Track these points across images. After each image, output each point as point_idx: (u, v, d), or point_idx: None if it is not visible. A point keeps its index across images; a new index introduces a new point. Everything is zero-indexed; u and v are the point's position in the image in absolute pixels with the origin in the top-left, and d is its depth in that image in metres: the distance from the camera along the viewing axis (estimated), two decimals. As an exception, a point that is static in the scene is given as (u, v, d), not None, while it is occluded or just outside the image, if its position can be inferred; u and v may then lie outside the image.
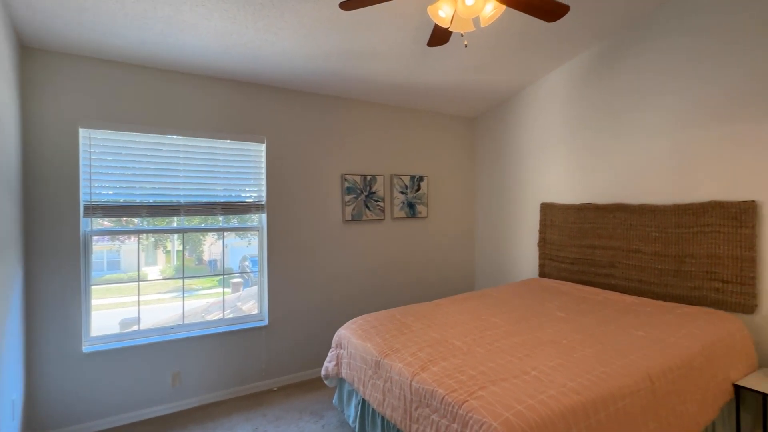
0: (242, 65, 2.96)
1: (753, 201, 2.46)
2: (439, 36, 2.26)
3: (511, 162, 4.09)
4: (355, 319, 2.67)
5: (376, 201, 3.80)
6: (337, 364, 2.58)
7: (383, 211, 3.84)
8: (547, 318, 2.60)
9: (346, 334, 2.56)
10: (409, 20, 2.61)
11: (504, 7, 1.87)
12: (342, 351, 2.55)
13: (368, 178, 3.74)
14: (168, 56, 2.76)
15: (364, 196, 3.72)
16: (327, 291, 3.60)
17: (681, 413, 1.90)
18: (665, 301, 2.84)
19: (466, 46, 2.07)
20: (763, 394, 2.12)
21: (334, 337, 2.66)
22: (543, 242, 3.73)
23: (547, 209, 3.70)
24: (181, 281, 3.09)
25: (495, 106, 4.24)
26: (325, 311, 3.59)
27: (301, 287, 3.47)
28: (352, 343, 2.44)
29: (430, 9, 1.84)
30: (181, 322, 3.05)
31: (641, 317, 2.52)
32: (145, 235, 3.01)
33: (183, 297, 3.09)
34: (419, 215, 4.07)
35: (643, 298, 2.88)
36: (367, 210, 3.74)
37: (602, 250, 3.26)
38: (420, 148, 4.11)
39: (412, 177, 4.02)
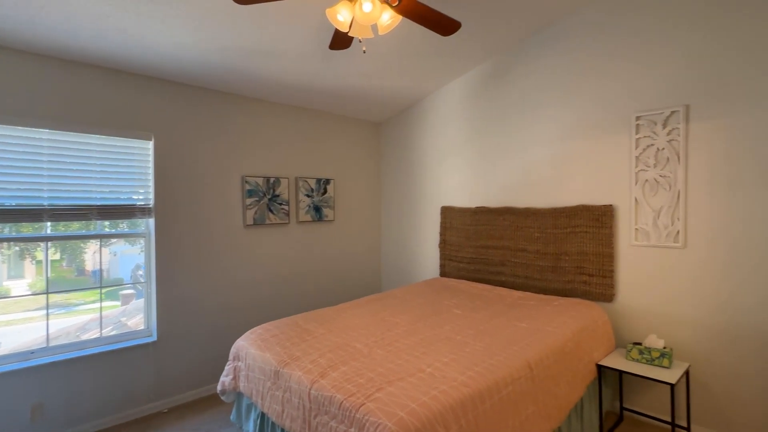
0: (124, 53, 2.66)
1: (611, 205, 2.87)
2: (341, 40, 2.26)
3: (414, 167, 4.25)
4: (254, 328, 2.55)
5: (281, 204, 3.68)
6: (234, 378, 2.43)
7: (288, 214, 3.73)
8: (445, 315, 2.74)
9: (244, 345, 2.42)
10: (311, 21, 2.57)
11: (400, 17, 1.93)
12: (240, 363, 2.41)
13: (272, 180, 3.60)
14: (28, 34, 2.36)
15: (267, 199, 3.58)
16: (226, 300, 3.38)
17: (555, 395, 2.13)
18: (545, 294, 3.18)
19: (364, 52, 2.10)
20: (619, 371, 2.48)
21: (232, 349, 2.50)
22: (443, 243, 3.94)
23: (447, 212, 3.92)
24: (54, 296, 2.66)
25: (399, 113, 4.38)
26: (223, 322, 3.37)
27: (196, 297, 3.22)
28: (251, 354, 2.31)
29: (328, 12, 1.83)
30: (45, 345, 2.63)
31: (524, 310, 2.79)
32: (6, 243, 2.54)
33: (47, 315, 2.66)
34: (326, 219, 4.04)
35: (527, 293, 3.18)
36: (270, 213, 3.60)
37: (494, 249, 3.54)
38: (326, 150, 4.08)
39: (318, 180, 3.98)
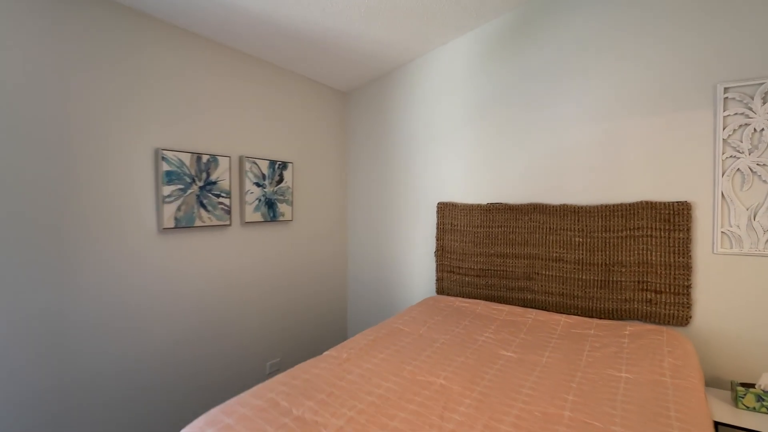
0: None
1: (686, 201, 2.22)
2: None
3: (398, 150, 3.27)
4: (199, 421, 1.35)
5: (218, 196, 2.42)
6: None
7: (229, 212, 2.48)
8: (501, 365, 1.83)
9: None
10: None
11: None
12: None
13: (205, 159, 2.33)
14: None
15: (197, 187, 2.30)
16: (121, 345, 2.05)
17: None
18: (591, 317, 2.45)
19: None
20: (745, 430, 1.80)
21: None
22: (441, 251, 3.02)
23: (446, 210, 3.01)
24: None
25: (377, 78, 3.36)
26: (117, 392, 2.03)
27: (58, 346, 1.85)
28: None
29: None
30: None
31: (596, 346, 2.00)
32: None
33: None
34: (281, 218, 2.85)
35: (576, 317, 2.42)
36: (202, 210, 2.32)
37: (516, 259, 2.73)
38: (284, 122, 2.90)
39: (273, 163, 2.78)
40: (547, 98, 2.63)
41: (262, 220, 2.70)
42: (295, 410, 1.41)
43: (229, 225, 2.49)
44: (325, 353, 1.95)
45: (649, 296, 2.31)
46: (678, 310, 2.24)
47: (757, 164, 2.07)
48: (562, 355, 1.92)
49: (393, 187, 3.31)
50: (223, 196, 2.44)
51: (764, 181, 2.06)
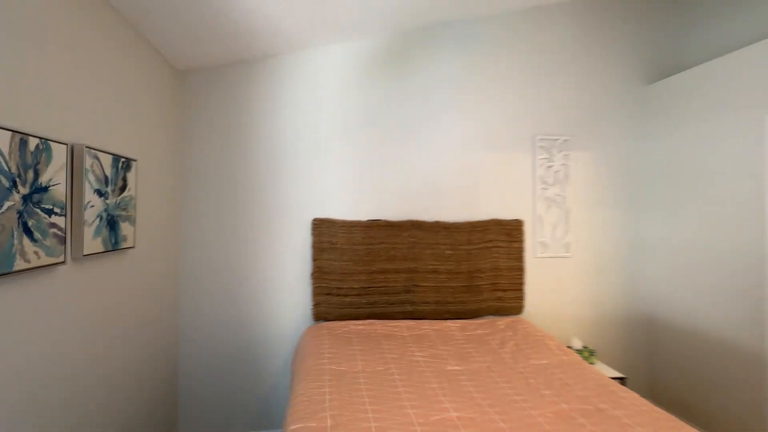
0: None
1: (520, 220, 2.96)
2: None
3: (259, 158, 2.72)
4: None
5: (50, 213, 1.35)
6: None
7: (64, 240, 1.42)
8: (462, 379, 1.90)
9: None
10: None
11: None
12: None
13: (34, 145, 1.26)
14: None
15: (20, 196, 1.22)
16: None
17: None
18: (464, 318, 2.85)
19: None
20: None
21: None
22: (319, 272, 2.73)
23: (323, 227, 2.75)
24: None
25: (244, 62, 2.68)
26: None
27: None
28: None
29: None
30: None
31: (498, 342, 2.39)
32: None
33: None
34: (124, 244, 1.85)
35: (460, 321, 2.75)
36: (26, 239, 1.24)
37: (397, 273, 2.82)
38: (123, 101, 1.88)
39: (117, 160, 1.77)
40: (423, 125, 2.88)
41: (104, 249, 1.68)
42: None
43: (63, 263, 1.42)
44: None
45: (498, 295, 2.92)
46: (517, 303, 2.94)
47: (556, 194, 3.01)
48: (494, 359, 2.17)
49: (255, 201, 2.73)
50: (56, 213, 1.38)
51: (559, 207, 3.02)
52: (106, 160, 1.68)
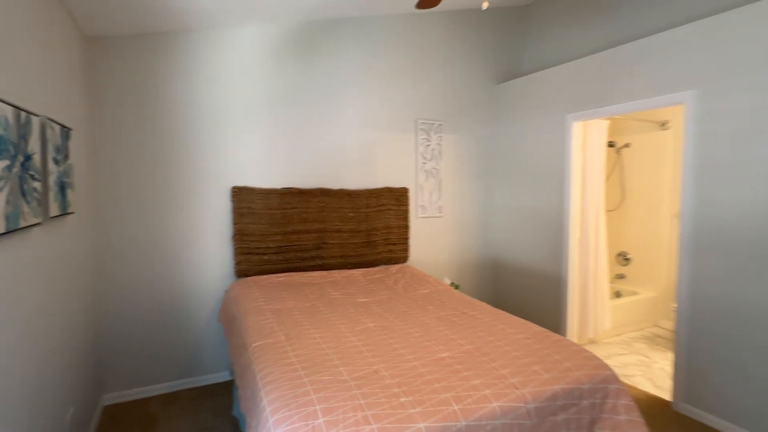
0: None
1: (405, 188, 3.70)
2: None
3: (181, 127, 2.87)
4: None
5: (33, 178, 1.51)
6: None
7: (40, 202, 1.58)
8: (372, 308, 2.56)
9: None
10: None
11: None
12: None
13: (23, 119, 1.41)
14: None
15: (19, 165, 1.38)
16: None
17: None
18: (365, 268, 3.51)
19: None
20: (450, 306, 3.46)
21: None
22: (239, 235, 3.06)
23: (242, 195, 3.06)
24: None
25: (162, 34, 2.71)
26: None
27: None
28: None
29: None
30: None
31: (392, 282, 3.11)
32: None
33: None
34: (69, 209, 1.97)
35: (361, 269, 3.39)
36: (23, 202, 1.42)
37: (308, 234, 3.31)
38: (48, 68, 1.92)
39: (63, 130, 1.87)
40: (328, 106, 3.35)
41: (60, 212, 1.82)
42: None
43: (41, 224, 1.59)
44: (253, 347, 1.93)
45: (390, 248, 3.65)
46: (404, 254, 3.71)
47: (432, 168, 3.82)
48: (391, 293, 2.87)
49: (175, 170, 2.88)
50: (36, 179, 1.54)
51: (435, 177, 3.84)
52: (56, 130, 1.81)
